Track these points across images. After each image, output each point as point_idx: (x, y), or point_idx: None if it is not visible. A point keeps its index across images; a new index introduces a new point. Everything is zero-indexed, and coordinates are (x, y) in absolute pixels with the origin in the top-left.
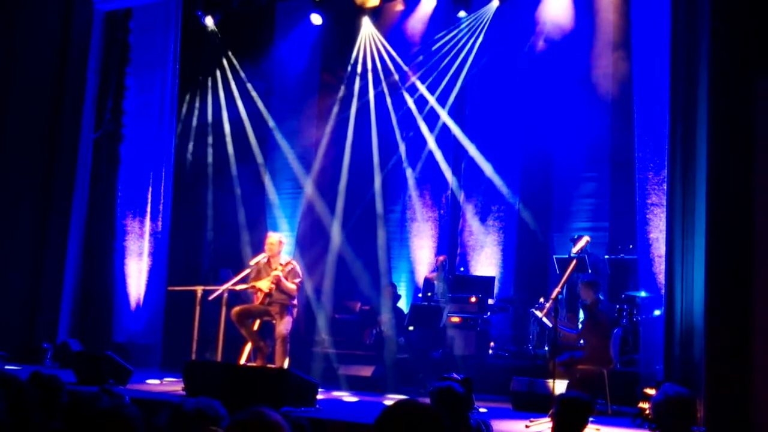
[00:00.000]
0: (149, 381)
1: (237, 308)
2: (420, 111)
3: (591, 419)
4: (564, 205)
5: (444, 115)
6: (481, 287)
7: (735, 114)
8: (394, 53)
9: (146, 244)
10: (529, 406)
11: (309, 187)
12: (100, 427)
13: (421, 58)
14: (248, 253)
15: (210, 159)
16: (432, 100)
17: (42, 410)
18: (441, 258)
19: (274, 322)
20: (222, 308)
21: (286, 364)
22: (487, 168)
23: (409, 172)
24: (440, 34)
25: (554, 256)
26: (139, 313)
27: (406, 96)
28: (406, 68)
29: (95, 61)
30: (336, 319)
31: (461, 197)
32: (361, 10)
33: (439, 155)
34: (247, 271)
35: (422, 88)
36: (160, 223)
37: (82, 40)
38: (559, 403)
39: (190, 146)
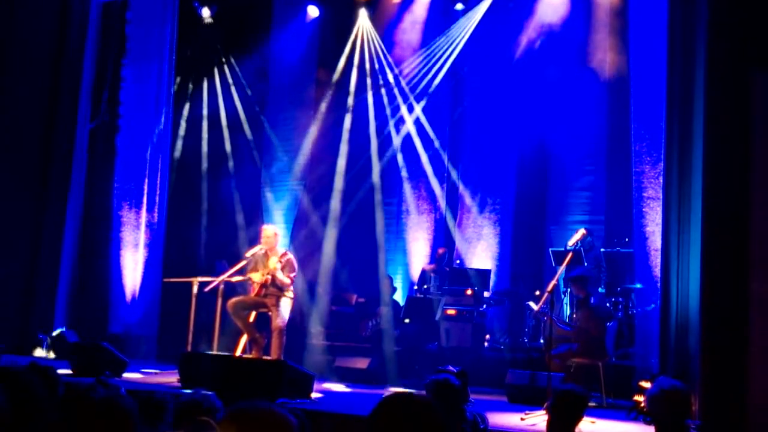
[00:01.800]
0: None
1: (233, 300)
2: (417, 103)
3: (586, 412)
4: (560, 198)
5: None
6: (477, 280)
7: (731, 109)
8: (385, 49)
9: (142, 235)
10: (525, 399)
11: (305, 180)
12: (96, 418)
13: (418, 50)
14: (244, 245)
15: (206, 150)
16: (419, 94)
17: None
18: (441, 250)
19: (270, 313)
20: (218, 300)
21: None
22: (484, 161)
23: (404, 164)
24: (437, 26)
25: (550, 249)
26: (135, 304)
27: (404, 88)
28: (395, 64)
29: (92, 51)
30: (332, 312)
31: (458, 190)
32: (358, 3)
33: (435, 147)
34: (243, 263)
35: (413, 82)
36: (156, 214)
37: (79, 30)
38: (555, 396)
39: (187, 137)
